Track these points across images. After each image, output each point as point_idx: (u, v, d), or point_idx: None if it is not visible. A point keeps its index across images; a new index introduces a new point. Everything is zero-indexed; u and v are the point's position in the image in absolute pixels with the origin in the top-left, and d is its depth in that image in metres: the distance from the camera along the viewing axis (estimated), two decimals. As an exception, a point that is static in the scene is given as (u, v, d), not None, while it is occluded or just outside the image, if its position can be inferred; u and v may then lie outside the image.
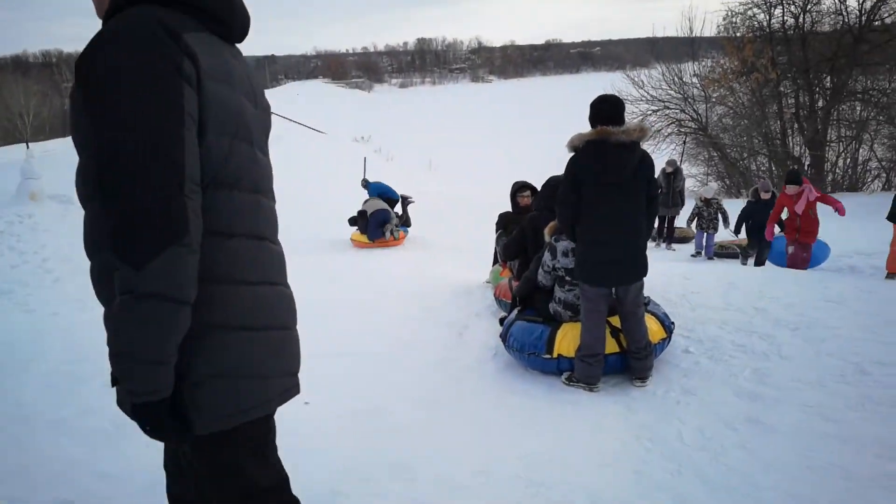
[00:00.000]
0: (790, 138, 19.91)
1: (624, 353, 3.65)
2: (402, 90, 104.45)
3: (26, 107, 44.31)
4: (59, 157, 17.95)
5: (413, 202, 11.07)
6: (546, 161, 35.29)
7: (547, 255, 3.87)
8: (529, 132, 48.59)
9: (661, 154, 21.86)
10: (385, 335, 4.81)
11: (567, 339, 3.70)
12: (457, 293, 5.72)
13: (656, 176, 3.60)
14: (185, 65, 1.19)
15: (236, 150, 1.32)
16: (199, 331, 1.24)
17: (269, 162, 1.56)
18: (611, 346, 3.64)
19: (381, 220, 9.79)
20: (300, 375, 1.56)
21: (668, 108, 21.91)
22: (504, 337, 3.99)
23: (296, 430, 3.24)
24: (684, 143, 20.30)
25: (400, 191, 11.00)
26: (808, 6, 18.74)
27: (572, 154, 3.51)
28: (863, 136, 18.51)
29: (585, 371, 3.54)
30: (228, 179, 1.31)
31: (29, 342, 5.00)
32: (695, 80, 21.86)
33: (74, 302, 7.32)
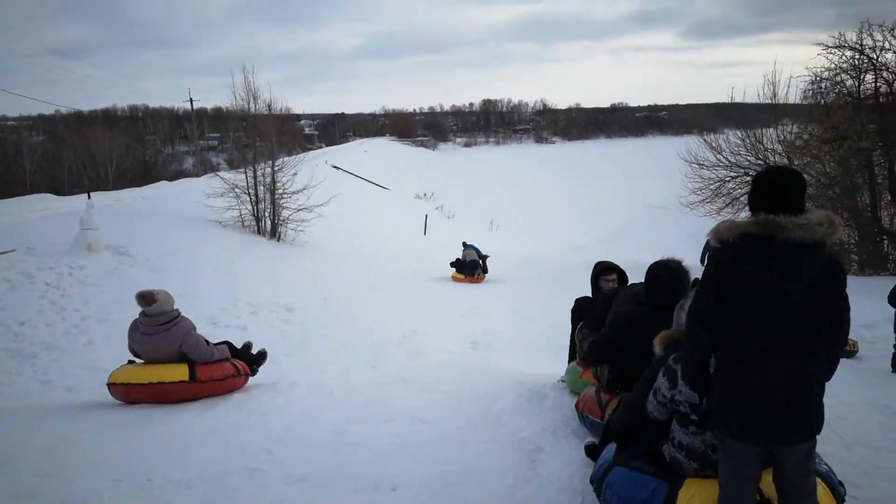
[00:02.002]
0: (880, 210, 18.46)
1: (781, 534, 2.52)
2: (466, 149, 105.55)
3: (110, 156, 46.55)
4: (124, 207, 18.10)
5: (489, 257, 16.28)
6: (608, 223, 34.21)
7: (662, 381, 2.82)
8: (593, 193, 47.55)
9: (740, 223, 20.64)
10: (438, 455, 3.81)
11: (695, 505, 2.61)
12: (527, 396, 4.69)
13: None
14: None
15: None
16: None
17: None
18: (763, 523, 2.52)
19: (474, 265, 15.51)
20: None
21: (749, 174, 20.66)
22: (598, 486, 2.93)
23: None
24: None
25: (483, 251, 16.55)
26: (903, 72, 17.57)
27: (716, 247, 2.46)
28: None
29: (726, 559, 2.44)
30: None
31: (13, 431, 4.25)
32: (777, 146, 20.59)
33: (97, 372, 6.68)
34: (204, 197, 16.25)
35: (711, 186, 20.86)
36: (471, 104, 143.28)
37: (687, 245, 24.12)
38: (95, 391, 5.77)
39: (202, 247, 14.12)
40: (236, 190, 17.20)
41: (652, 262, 3.67)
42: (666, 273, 3.55)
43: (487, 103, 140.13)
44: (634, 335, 3.50)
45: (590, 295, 5.29)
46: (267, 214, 17.73)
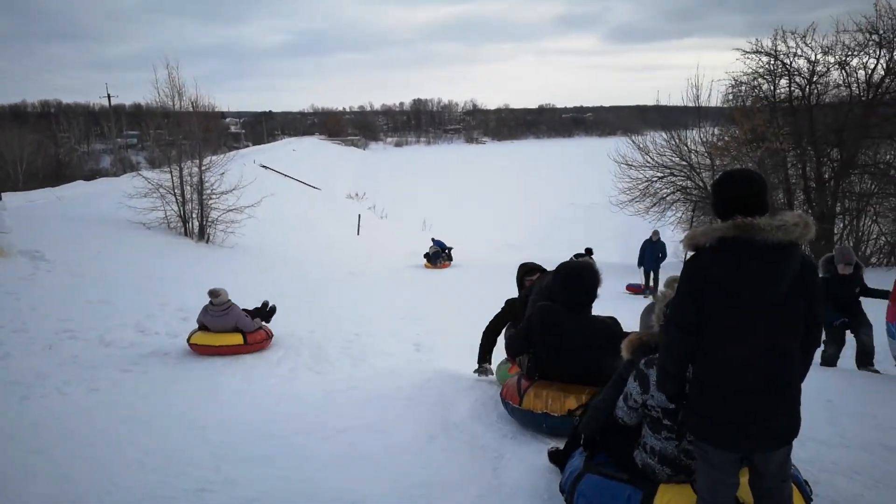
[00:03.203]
0: (795, 209, 19.50)
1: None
2: (397, 149, 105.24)
3: (20, 155, 43.60)
4: (38, 209, 16.96)
5: (453, 248, 20.33)
6: (537, 222, 34.68)
7: (633, 386, 2.79)
8: (522, 192, 48.23)
9: (666, 221, 21.45)
10: (398, 466, 3.67)
11: (672, 514, 2.58)
12: (483, 401, 4.60)
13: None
14: None
15: None
16: None
17: None
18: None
19: (437, 256, 19.55)
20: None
21: (674, 174, 21.41)
22: (569, 495, 2.87)
23: None
24: (693, 211, 19.66)
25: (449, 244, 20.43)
26: (815, 78, 18.54)
27: (691, 254, 2.44)
28: (867, 209, 18.08)
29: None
30: None
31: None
32: (700, 148, 21.41)
33: (16, 387, 6.16)
34: (125, 197, 15.39)
35: (640, 186, 21.56)
36: (401, 104, 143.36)
37: (613, 242, 24.88)
38: (15, 409, 5.31)
39: (125, 250, 13.39)
40: (161, 190, 16.42)
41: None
42: (570, 274, 3.97)
43: (418, 103, 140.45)
44: (548, 328, 3.89)
45: (517, 297, 5.40)
46: (194, 215, 17.02)
